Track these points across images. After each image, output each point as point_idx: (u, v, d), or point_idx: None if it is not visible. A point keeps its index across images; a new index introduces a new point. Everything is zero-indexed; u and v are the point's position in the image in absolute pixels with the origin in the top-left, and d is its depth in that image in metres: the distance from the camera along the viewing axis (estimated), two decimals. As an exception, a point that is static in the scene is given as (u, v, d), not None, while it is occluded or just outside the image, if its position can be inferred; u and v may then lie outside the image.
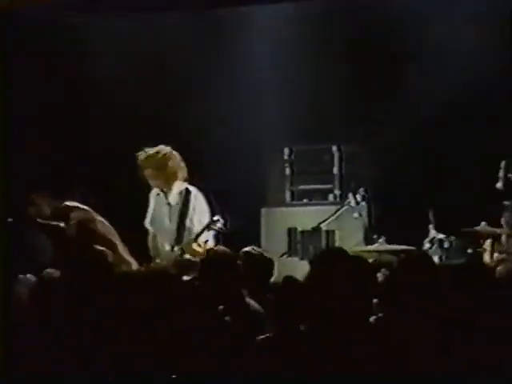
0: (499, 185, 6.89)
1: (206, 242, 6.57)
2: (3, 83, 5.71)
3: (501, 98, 7.95)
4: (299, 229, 8.03)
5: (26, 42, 8.13)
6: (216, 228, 6.62)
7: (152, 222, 6.90)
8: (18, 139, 7.06)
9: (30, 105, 8.17)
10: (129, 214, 7.24)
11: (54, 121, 8.62)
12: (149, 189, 7.07)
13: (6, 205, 5.54)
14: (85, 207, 6.71)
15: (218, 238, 6.68)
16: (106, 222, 6.66)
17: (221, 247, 5.58)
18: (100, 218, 6.65)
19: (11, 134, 5.82)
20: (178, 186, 6.83)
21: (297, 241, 8.00)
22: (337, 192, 8.33)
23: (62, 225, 6.61)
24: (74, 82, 8.70)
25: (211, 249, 5.94)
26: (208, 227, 6.61)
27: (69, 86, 8.69)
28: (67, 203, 6.69)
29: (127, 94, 8.40)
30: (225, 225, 6.60)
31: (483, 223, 6.99)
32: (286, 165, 8.45)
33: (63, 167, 8.40)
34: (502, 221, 6.97)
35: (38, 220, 6.60)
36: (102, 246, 5.49)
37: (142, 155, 6.78)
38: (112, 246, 6.08)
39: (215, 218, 6.65)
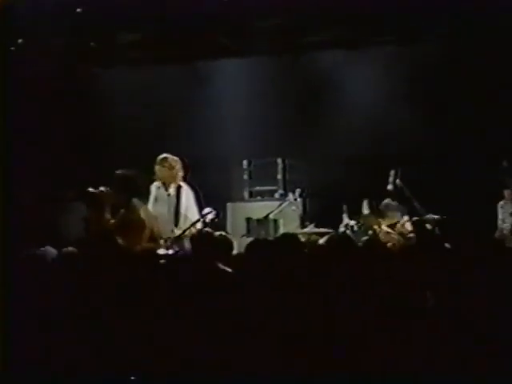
0: (390, 187, 8.27)
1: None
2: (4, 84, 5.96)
3: (398, 127, 9.32)
4: (254, 218, 8.96)
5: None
6: (208, 219, 7.30)
7: (153, 209, 7.60)
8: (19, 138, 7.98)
9: (31, 106, 8.96)
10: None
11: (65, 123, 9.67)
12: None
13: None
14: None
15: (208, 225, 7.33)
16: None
17: (206, 229, 6.81)
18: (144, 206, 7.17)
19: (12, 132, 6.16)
20: (174, 184, 7.74)
21: (252, 226, 8.92)
22: (280, 191, 9.53)
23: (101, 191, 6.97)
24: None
25: (200, 229, 7.05)
26: (202, 218, 7.34)
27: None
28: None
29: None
30: (217, 215, 7.32)
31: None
32: (245, 172, 9.76)
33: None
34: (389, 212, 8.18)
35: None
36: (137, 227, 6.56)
37: (161, 157, 7.72)
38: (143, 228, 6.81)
39: (207, 211, 7.37)
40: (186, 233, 7.35)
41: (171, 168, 7.76)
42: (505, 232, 8.19)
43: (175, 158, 7.78)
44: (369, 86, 9.57)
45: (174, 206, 7.68)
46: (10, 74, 6.46)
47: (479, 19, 8.62)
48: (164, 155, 7.79)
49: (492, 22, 8.70)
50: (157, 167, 7.79)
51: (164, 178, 7.78)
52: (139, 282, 4.50)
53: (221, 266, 4.95)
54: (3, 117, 5.62)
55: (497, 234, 8.12)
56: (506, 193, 8.43)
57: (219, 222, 7.84)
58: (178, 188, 7.75)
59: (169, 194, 7.77)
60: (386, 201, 8.28)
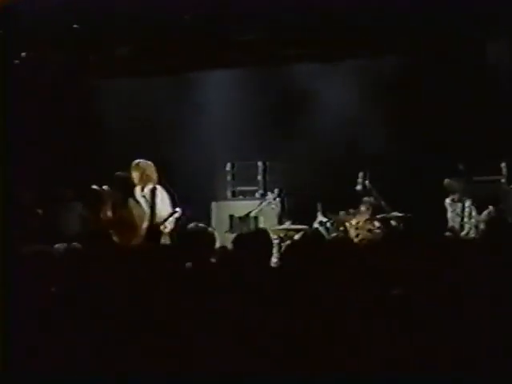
0: (358, 187, 8.87)
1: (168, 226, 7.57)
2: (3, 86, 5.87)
3: (366, 132, 9.83)
4: (236, 215, 9.45)
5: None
6: (174, 217, 7.61)
7: None
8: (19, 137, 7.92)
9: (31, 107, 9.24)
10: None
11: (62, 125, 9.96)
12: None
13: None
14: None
15: (177, 223, 7.62)
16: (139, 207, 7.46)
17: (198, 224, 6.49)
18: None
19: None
20: (150, 185, 7.79)
21: (235, 223, 9.41)
22: (261, 191, 10.00)
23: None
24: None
25: (195, 224, 6.68)
26: (171, 215, 7.64)
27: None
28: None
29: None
30: (183, 213, 7.65)
31: (350, 211, 8.99)
32: (229, 174, 10.26)
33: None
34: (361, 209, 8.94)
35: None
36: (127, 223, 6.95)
37: (133, 163, 7.86)
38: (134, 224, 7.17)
39: (176, 210, 7.66)
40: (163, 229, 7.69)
41: (143, 172, 7.91)
42: (455, 229, 8.75)
43: (148, 162, 7.96)
44: (341, 95, 10.09)
45: (149, 207, 7.79)
46: (12, 81, 6.67)
47: (444, 35, 9.26)
48: (136, 161, 7.96)
49: (457, 37, 9.34)
50: (132, 173, 7.93)
51: (139, 182, 7.94)
52: (138, 278, 4.40)
53: (206, 258, 4.96)
54: (3, 118, 5.62)
55: (449, 229, 8.67)
56: (455, 196, 8.91)
57: (205, 220, 8.31)
58: (153, 190, 7.85)
59: (144, 196, 7.92)
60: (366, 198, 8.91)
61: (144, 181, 7.90)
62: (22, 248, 4.91)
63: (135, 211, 7.54)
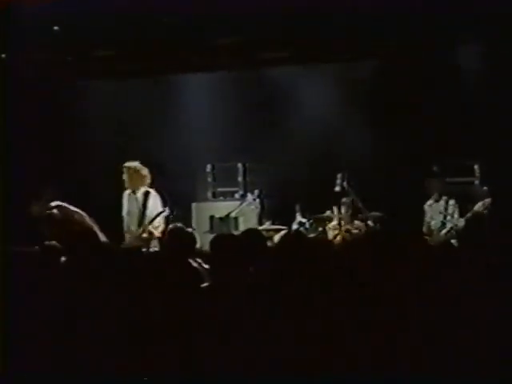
0: (337, 188, 8.93)
1: (158, 226, 7.94)
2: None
3: (345, 135, 10.12)
4: (217, 216, 9.45)
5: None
6: (162, 216, 7.88)
7: (127, 213, 8.20)
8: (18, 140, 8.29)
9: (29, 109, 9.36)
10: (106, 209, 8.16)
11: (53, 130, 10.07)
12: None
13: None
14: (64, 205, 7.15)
15: (167, 223, 7.76)
16: (85, 215, 7.20)
17: (177, 224, 6.50)
18: (79, 212, 7.24)
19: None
20: (142, 189, 8.08)
21: (215, 223, 9.44)
22: (241, 192, 10.09)
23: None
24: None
25: (174, 224, 6.72)
26: (158, 215, 7.89)
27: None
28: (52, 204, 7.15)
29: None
30: (171, 213, 7.91)
31: (328, 212, 9.21)
32: (209, 175, 10.39)
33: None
34: (342, 210, 9.09)
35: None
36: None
37: (125, 165, 8.09)
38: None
39: (162, 210, 7.94)
40: (153, 230, 7.93)
41: (136, 172, 8.11)
42: (432, 228, 8.92)
43: (141, 165, 8.18)
44: (319, 97, 10.21)
45: (141, 209, 8.03)
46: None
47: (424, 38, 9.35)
48: (129, 163, 8.19)
49: (430, 40, 9.46)
50: (124, 174, 8.15)
51: (131, 183, 8.14)
52: (137, 279, 4.43)
53: (192, 261, 5.21)
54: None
55: (424, 229, 8.90)
56: (435, 195, 9.04)
57: (186, 220, 8.31)
58: (146, 193, 8.06)
59: (136, 199, 8.15)
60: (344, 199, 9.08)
61: (137, 183, 8.05)
62: (22, 248, 4.90)
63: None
